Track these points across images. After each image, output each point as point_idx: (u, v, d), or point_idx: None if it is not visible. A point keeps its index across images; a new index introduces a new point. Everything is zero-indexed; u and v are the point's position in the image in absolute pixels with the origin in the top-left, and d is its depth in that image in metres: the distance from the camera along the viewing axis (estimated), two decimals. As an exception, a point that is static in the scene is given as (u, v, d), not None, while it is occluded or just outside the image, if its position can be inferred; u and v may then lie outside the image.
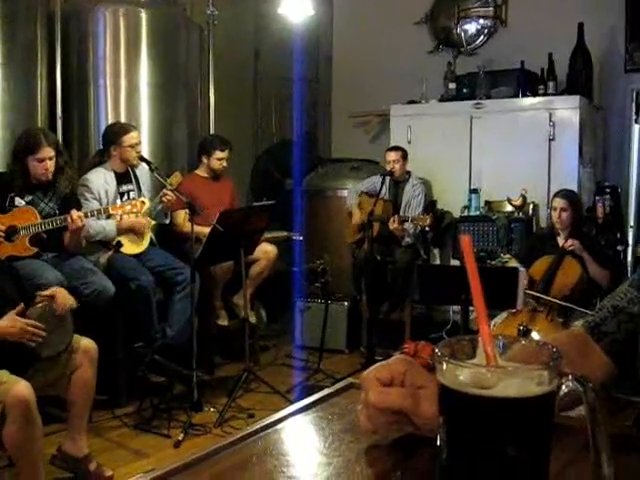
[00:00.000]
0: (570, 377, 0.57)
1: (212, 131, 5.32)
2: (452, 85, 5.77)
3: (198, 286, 4.09)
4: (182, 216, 4.54)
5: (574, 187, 4.91)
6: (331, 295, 4.96)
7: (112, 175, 4.20)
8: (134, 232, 4.19)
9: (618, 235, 5.02)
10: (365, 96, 6.40)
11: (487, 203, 5.41)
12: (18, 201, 3.73)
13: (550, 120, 5.25)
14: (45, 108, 4.42)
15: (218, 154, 4.73)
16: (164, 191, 4.14)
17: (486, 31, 6.16)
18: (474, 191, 5.43)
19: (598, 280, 4.14)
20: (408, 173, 5.34)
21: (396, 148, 5.32)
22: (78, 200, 3.96)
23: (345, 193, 5.64)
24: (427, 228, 5.03)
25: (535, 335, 3.72)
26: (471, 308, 3.71)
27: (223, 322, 4.69)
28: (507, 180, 5.26)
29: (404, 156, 5.26)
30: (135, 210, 3.84)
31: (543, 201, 5.22)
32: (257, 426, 0.86)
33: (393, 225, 5.00)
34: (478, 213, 5.36)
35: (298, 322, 5.33)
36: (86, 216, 3.70)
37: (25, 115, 4.27)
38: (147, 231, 4.28)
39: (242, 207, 5.10)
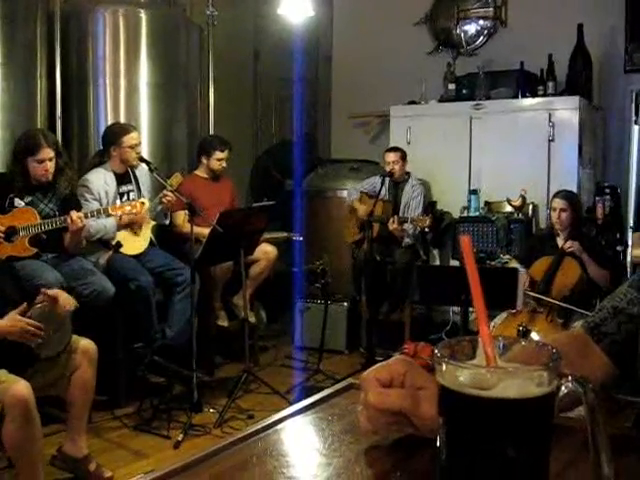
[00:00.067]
0: (570, 378, 0.57)
1: (212, 131, 5.32)
2: (452, 86, 5.77)
3: (198, 287, 4.09)
4: (182, 217, 4.53)
5: (574, 188, 4.91)
6: (331, 296, 4.95)
7: (112, 176, 4.20)
8: (134, 225, 4.18)
9: (618, 236, 5.02)
10: (365, 97, 6.40)
11: (487, 204, 5.41)
12: (18, 202, 3.73)
13: (550, 121, 5.25)
14: (45, 108, 4.42)
15: (218, 154, 4.73)
16: (164, 192, 4.14)
17: (486, 32, 6.17)
18: (474, 192, 5.42)
19: (598, 281, 4.14)
20: (407, 174, 5.34)
21: (395, 149, 5.31)
22: (78, 201, 3.96)
23: (345, 194, 5.65)
24: (427, 229, 5.03)
25: (535, 336, 3.72)
26: (471, 309, 3.71)
27: (223, 323, 4.69)
28: (507, 181, 5.26)
29: (403, 157, 5.25)
30: (135, 211, 3.85)
31: (543, 202, 5.22)
32: (257, 427, 0.86)
33: (392, 226, 5.01)
34: (478, 214, 5.36)
35: (298, 323, 5.32)
36: (86, 217, 3.70)
37: (25, 115, 4.27)
38: (147, 230, 4.29)
39: (242, 207, 5.10)
